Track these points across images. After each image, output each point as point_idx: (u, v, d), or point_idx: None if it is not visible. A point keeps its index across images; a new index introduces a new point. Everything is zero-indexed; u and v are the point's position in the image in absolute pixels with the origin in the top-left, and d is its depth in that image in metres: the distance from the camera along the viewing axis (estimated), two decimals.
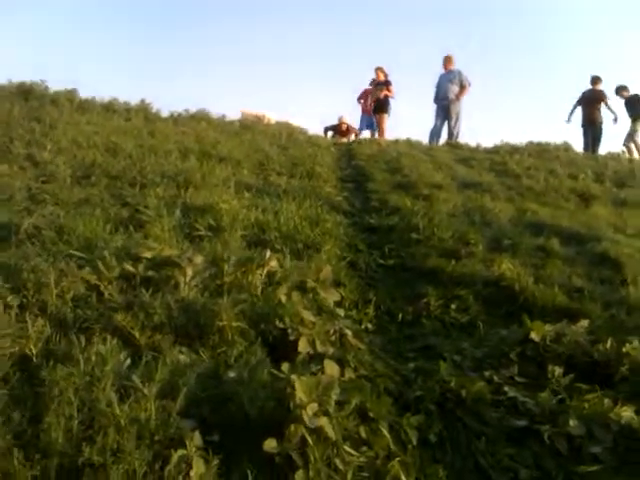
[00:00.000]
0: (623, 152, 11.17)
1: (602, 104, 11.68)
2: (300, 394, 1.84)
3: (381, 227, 4.89)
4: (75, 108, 8.65)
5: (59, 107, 8.22)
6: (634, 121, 11.61)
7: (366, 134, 12.87)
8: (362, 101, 12.87)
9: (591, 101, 11.68)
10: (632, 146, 11.76)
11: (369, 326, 3.14)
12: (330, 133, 12.96)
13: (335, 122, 13.05)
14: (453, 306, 3.36)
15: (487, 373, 2.51)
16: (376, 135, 12.62)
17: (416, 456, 1.97)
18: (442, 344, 2.91)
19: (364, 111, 12.86)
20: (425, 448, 2.05)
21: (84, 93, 9.43)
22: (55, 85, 9.23)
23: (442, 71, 12.17)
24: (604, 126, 11.80)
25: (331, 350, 2.50)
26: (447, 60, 12.15)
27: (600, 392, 2.27)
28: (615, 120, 11.52)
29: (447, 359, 2.69)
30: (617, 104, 11.64)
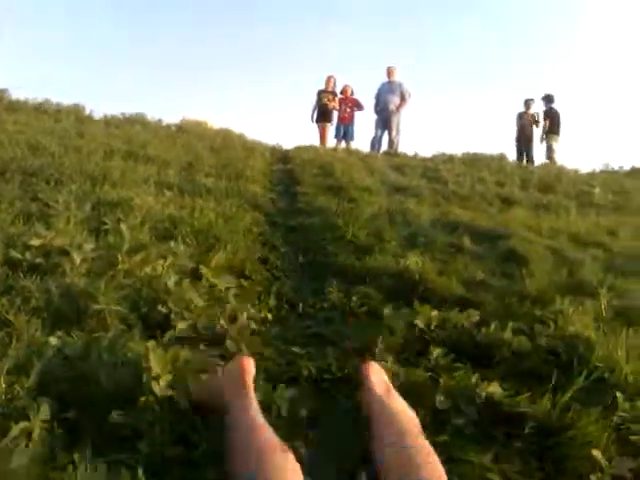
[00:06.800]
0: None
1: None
2: (154, 366, 1.81)
3: (301, 226, 4.91)
4: (4, 108, 8.43)
5: None
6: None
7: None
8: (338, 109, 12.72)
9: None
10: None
11: (268, 316, 3.12)
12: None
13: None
14: (354, 297, 3.38)
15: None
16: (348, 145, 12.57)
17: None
18: (333, 332, 2.92)
19: (340, 119, 12.74)
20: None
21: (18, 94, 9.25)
22: None
23: (384, 80, 12.41)
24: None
25: None
26: (390, 71, 12.43)
27: (472, 371, 2.31)
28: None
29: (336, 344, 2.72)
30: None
